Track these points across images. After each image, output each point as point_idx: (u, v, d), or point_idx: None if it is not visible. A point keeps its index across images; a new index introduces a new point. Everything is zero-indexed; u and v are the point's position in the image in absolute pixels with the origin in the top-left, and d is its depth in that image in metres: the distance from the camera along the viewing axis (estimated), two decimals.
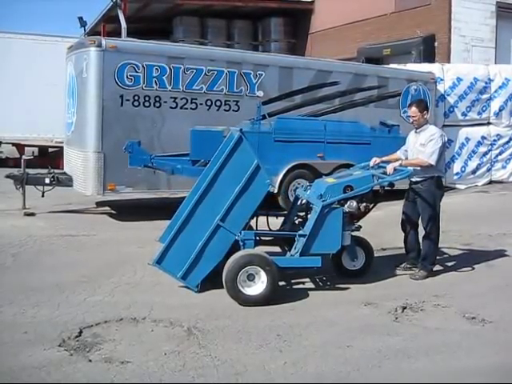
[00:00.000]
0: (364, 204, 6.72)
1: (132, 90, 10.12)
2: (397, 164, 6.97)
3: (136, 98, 10.15)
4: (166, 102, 10.39)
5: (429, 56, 17.17)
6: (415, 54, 17.45)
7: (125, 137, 9.62)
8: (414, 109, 7.24)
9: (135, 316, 5.63)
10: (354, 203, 6.55)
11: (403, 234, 7.55)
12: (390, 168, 6.91)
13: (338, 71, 12.19)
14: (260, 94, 10.74)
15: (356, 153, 11.22)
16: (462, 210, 11.28)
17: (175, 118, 10.40)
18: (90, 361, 4.67)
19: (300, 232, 6.48)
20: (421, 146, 7.13)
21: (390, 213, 9.72)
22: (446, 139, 7.27)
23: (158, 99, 10.32)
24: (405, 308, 6.04)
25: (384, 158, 7.40)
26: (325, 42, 21.49)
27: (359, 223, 6.89)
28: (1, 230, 9.06)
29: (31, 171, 11.03)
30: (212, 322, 5.53)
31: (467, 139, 14.18)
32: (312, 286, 6.79)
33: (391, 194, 7.59)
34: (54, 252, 8.04)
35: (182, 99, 10.52)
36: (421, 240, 7.37)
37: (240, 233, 6.29)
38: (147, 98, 10.24)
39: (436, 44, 17.64)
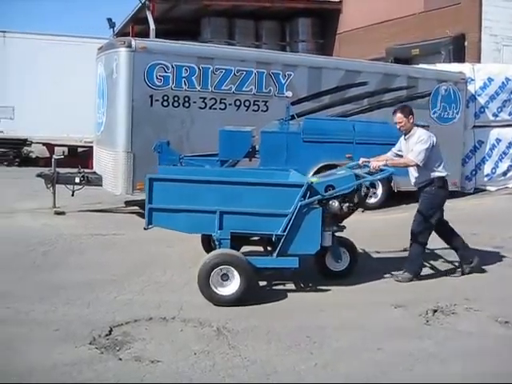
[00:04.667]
0: (347, 204, 6.57)
1: (161, 90, 10.18)
2: (381, 163, 6.86)
3: (165, 98, 10.21)
4: (195, 102, 10.44)
5: (459, 56, 16.96)
6: (445, 54, 17.25)
7: (154, 137, 9.66)
8: (398, 115, 7.08)
9: (165, 315, 5.65)
10: (336, 203, 6.45)
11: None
12: (374, 165, 6.81)
13: (366, 71, 12.13)
14: (289, 94, 10.70)
15: (385, 153, 11.14)
16: (492, 212, 11.15)
17: (204, 118, 10.43)
18: (121, 359, 4.70)
19: (276, 232, 6.29)
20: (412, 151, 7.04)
21: None
22: (435, 140, 7.06)
23: (187, 99, 10.37)
24: (436, 311, 5.95)
25: (372, 160, 7.17)
26: (353, 42, 21.37)
27: (343, 223, 6.77)
28: (32, 229, 9.18)
29: (61, 171, 11.14)
30: (241, 322, 5.52)
31: (498, 140, 13.98)
32: (341, 287, 6.72)
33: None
34: (83, 251, 8.11)
35: (211, 99, 10.56)
36: (409, 241, 7.21)
37: (216, 232, 6.24)
38: (176, 99, 10.29)
39: (466, 44, 17.42)
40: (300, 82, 11.24)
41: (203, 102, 10.51)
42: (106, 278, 6.81)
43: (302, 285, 6.73)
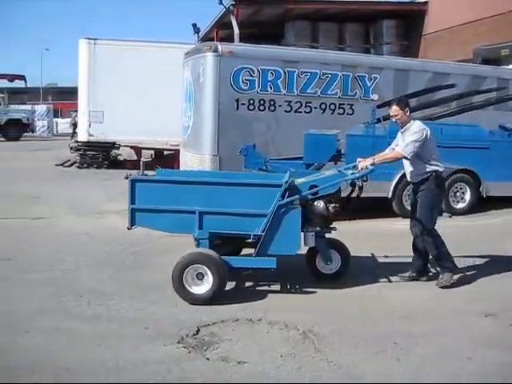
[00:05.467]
0: (333, 205, 6.42)
1: (247, 94, 10.28)
2: (368, 163, 6.62)
3: (251, 101, 10.31)
4: (280, 105, 10.49)
5: None
6: None
7: (240, 140, 9.74)
8: (394, 107, 6.87)
9: (251, 317, 5.70)
10: (321, 203, 6.33)
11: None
12: (361, 165, 6.61)
13: (455, 73, 11.82)
14: (375, 97, 10.60)
15: (474, 157, 10.89)
16: None
17: (289, 121, 10.46)
18: (208, 359, 4.77)
19: (255, 232, 6.23)
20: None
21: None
22: (429, 132, 6.81)
23: (272, 103, 10.43)
24: None
25: (368, 159, 6.89)
26: (439, 43, 20.87)
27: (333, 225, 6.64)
28: (121, 230, 9.38)
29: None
30: (327, 326, 5.50)
31: None
32: (425, 294, 6.60)
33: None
34: (170, 251, 8.25)
35: (296, 103, 10.59)
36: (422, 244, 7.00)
37: (195, 231, 6.27)
38: (262, 102, 10.38)
39: None
40: (386, 85, 11.07)
41: (289, 105, 10.55)
42: None
43: (388, 291, 6.65)
